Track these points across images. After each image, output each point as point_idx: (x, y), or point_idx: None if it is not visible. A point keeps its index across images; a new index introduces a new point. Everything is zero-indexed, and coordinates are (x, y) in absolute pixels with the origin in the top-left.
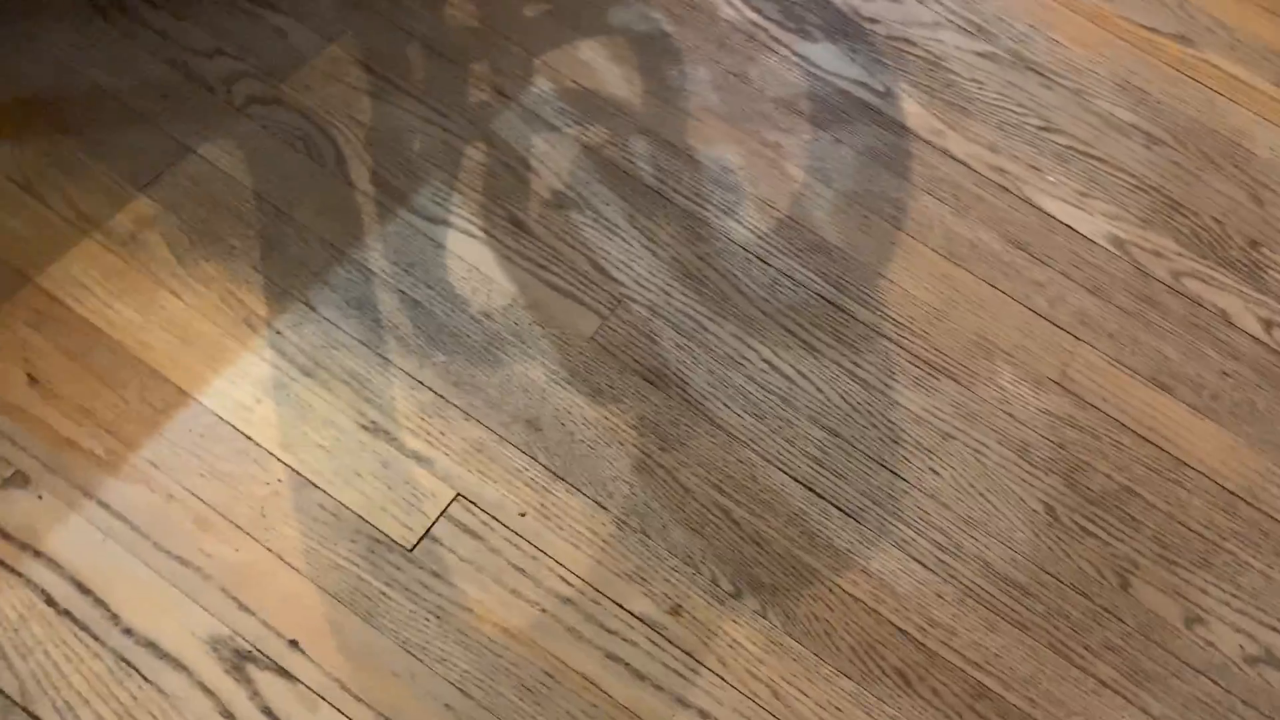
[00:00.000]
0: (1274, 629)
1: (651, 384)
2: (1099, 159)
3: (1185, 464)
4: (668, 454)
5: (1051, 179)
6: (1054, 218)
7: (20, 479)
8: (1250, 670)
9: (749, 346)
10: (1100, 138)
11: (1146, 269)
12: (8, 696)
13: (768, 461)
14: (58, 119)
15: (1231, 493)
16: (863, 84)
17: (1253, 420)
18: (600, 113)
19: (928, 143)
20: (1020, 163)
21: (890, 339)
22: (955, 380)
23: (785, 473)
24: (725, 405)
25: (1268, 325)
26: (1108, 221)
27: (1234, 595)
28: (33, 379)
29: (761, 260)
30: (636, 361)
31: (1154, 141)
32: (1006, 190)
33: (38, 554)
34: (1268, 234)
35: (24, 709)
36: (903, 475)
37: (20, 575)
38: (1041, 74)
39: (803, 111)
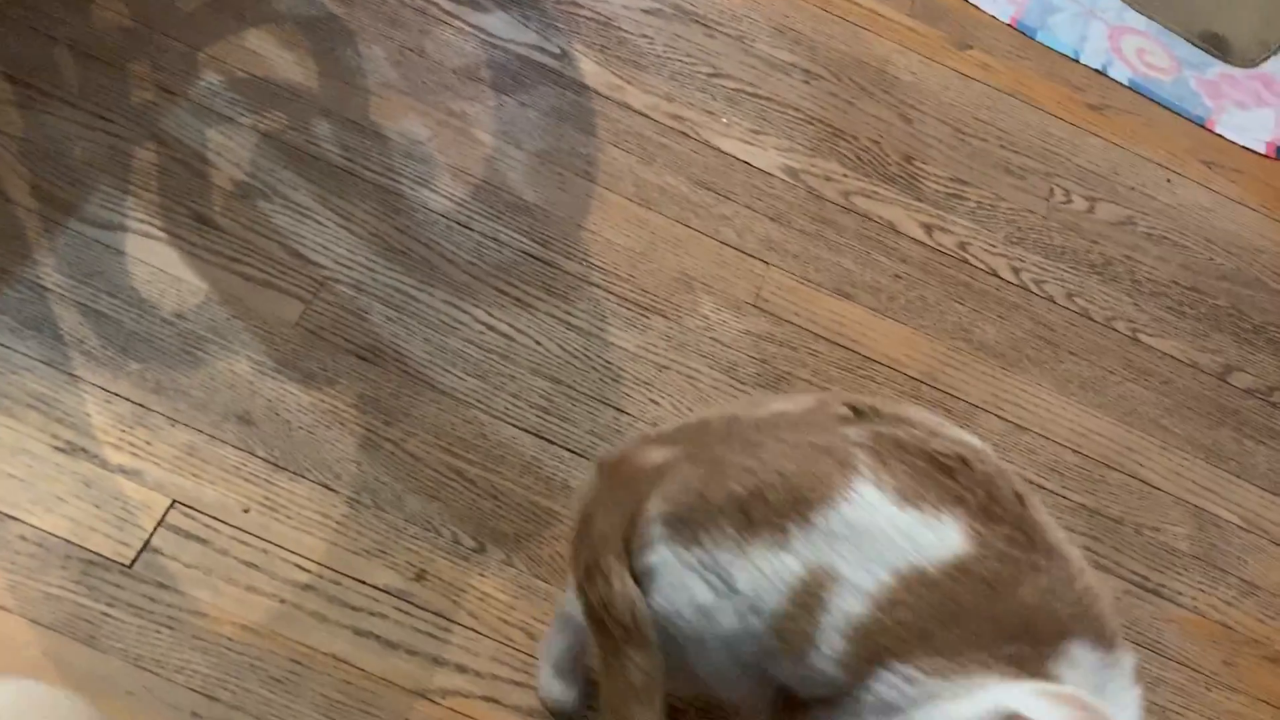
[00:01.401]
0: None
1: (367, 361)
2: (765, 98)
3: (872, 360)
4: (392, 427)
5: (725, 121)
6: (732, 156)
7: None
8: None
9: (462, 310)
10: (764, 78)
11: (819, 193)
12: None
13: (495, 418)
14: None
15: (915, 379)
16: (539, 48)
17: (925, 313)
18: (276, 99)
19: (608, 98)
20: (695, 109)
21: (598, 286)
22: (663, 315)
23: (514, 425)
24: (446, 370)
25: (928, 229)
26: (780, 154)
27: None
28: None
29: (463, 226)
30: (348, 341)
31: (812, 77)
32: (686, 135)
33: None
34: (918, 149)
35: None
36: (626, 410)
37: None
38: (705, 24)
39: (484, 79)
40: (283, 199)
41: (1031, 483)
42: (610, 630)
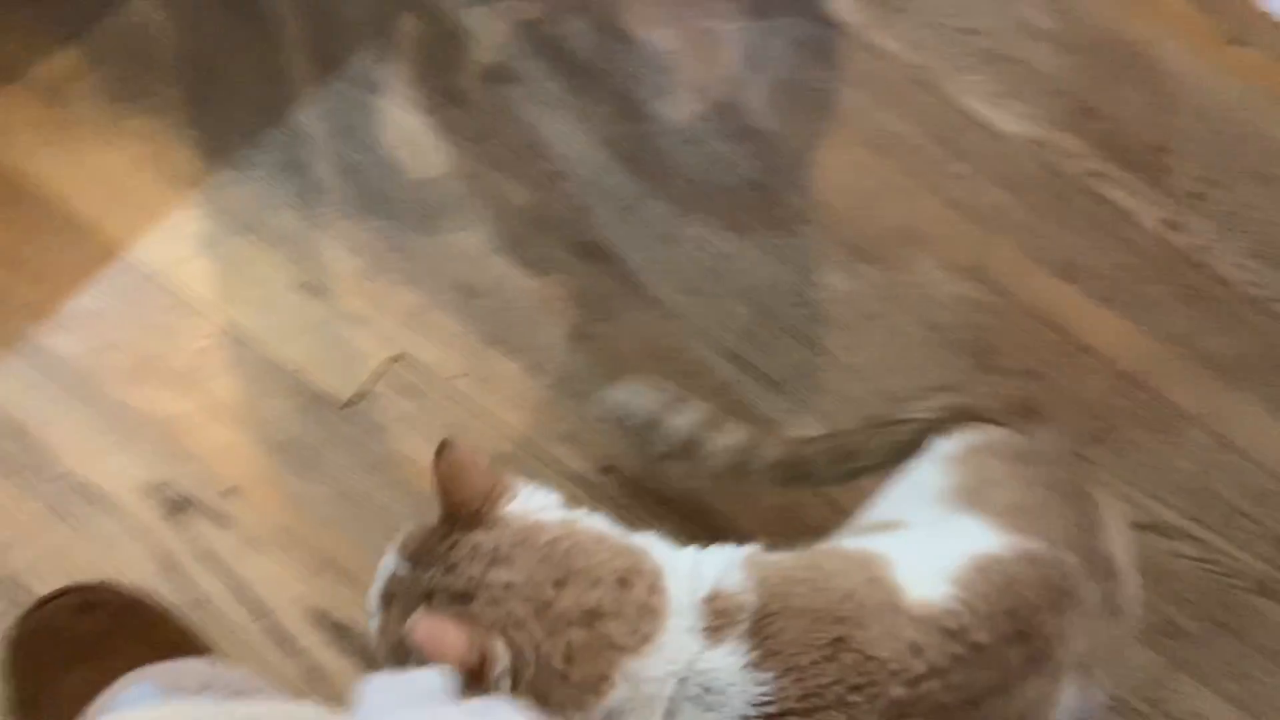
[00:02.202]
0: (1159, 500)
1: (586, 257)
2: (1017, 61)
3: (1085, 348)
4: (601, 324)
5: (972, 78)
6: (973, 116)
7: None
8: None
9: (682, 225)
10: (1019, 42)
11: (1057, 167)
12: None
13: (696, 335)
14: None
15: (1125, 375)
16: None
17: (1148, 311)
18: None
19: (856, 37)
20: (943, 61)
21: (817, 223)
22: (876, 264)
23: (714, 346)
24: (657, 280)
25: (1168, 225)
26: (1023, 121)
27: (1123, 468)
28: None
29: (695, 143)
30: (571, 236)
31: (1069, 48)
32: (929, 86)
33: None
34: (1170, 141)
35: None
36: (825, 351)
37: None
38: None
39: (737, 1)
40: (531, 88)
41: (1234, 506)
42: None
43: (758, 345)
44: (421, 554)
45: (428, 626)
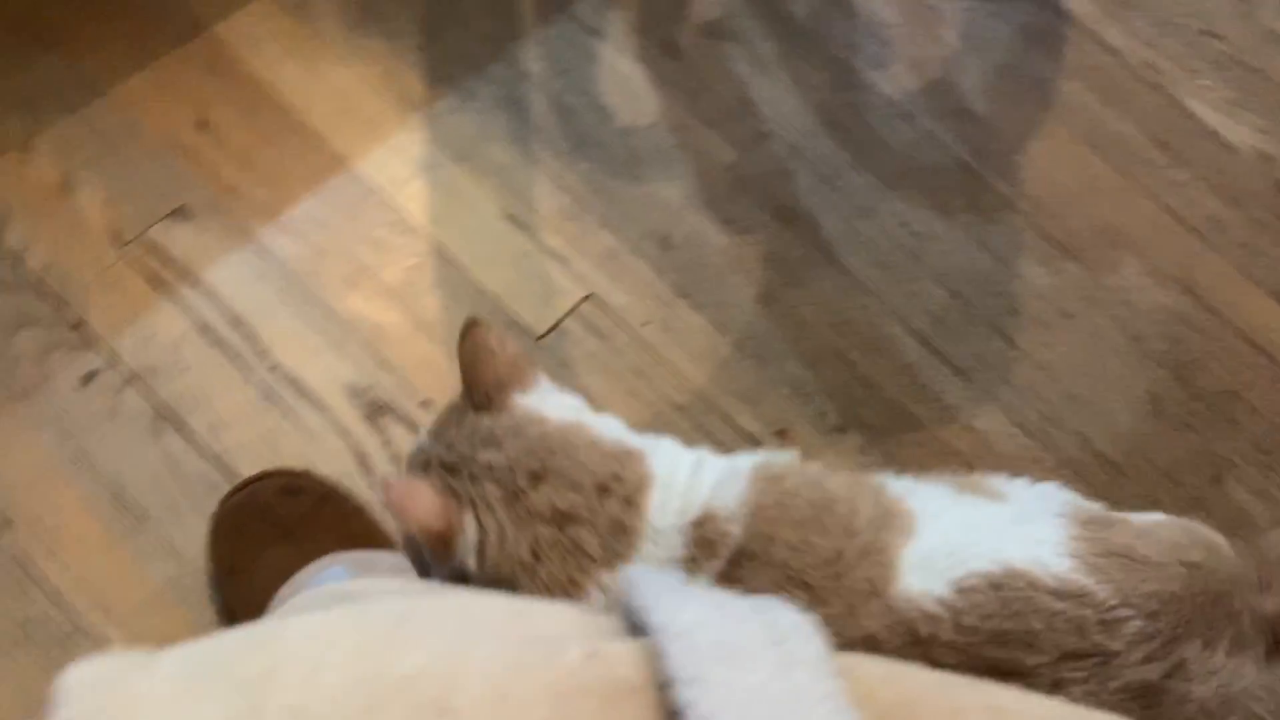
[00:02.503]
0: None
1: (783, 222)
2: (1255, 69)
3: None
4: (791, 290)
5: (1204, 83)
6: (1200, 122)
7: (185, 213)
8: None
9: (883, 199)
10: (1259, 49)
11: None
12: (162, 410)
13: (887, 312)
14: None
15: None
16: None
17: None
18: None
19: (1085, 29)
20: (1175, 63)
21: (1023, 214)
22: (1081, 263)
23: (902, 325)
24: (853, 252)
25: None
26: (1254, 134)
27: None
28: (202, 124)
29: (906, 118)
30: (771, 198)
31: None
32: (1156, 87)
33: (197, 284)
34: None
35: (173, 423)
36: (1017, 344)
37: (181, 301)
38: None
39: None
40: (746, 47)
41: None
42: None
43: (948, 330)
44: (436, 428)
45: (400, 488)
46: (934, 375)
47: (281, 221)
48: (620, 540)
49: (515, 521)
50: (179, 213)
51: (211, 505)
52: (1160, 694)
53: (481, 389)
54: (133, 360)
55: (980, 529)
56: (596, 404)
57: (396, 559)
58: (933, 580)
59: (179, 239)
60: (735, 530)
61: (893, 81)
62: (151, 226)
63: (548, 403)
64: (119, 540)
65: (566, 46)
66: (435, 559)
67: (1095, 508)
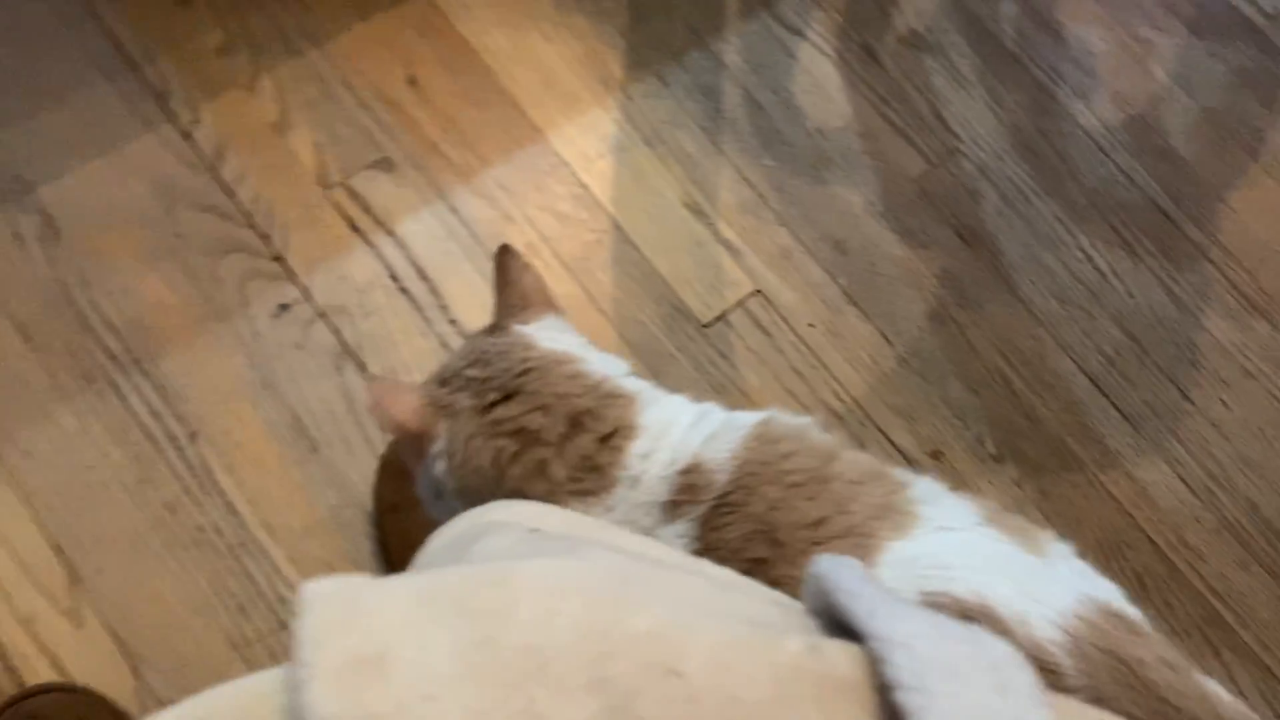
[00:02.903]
0: None
1: (963, 241)
2: None
3: None
4: (963, 311)
5: None
6: None
7: (387, 164)
8: None
9: (1069, 232)
10: None
11: None
12: (346, 347)
13: (1059, 346)
14: None
15: None
16: (1252, 2)
17: None
18: None
19: None
20: None
21: (1214, 264)
22: (1271, 323)
23: (1075, 362)
24: (1031, 281)
25: None
26: None
27: None
28: (411, 81)
29: (1103, 151)
30: (954, 216)
31: None
32: None
33: (390, 233)
34: None
35: (354, 361)
36: (1191, 398)
37: (374, 248)
38: None
39: (1182, 15)
40: (947, 61)
41: None
42: None
43: (1121, 373)
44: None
45: (380, 388)
46: (1100, 417)
47: (474, 184)
48: (591, 477)
49: (481, 431)
50: (381, 163)
51: (382, 444)
52: None
53: (497, 313)
54: (323, 298)
55: (983, 561)
56: (752, 399)
57: None
58: (904, 581)
59: (379, 188)
60: (721, 478)
61: (1094, 113)
62: (356, 174)
63: (544, 334)
64: (291, 466)
65: (765, 42)
66: (413, 462)
67: (1139, 615)
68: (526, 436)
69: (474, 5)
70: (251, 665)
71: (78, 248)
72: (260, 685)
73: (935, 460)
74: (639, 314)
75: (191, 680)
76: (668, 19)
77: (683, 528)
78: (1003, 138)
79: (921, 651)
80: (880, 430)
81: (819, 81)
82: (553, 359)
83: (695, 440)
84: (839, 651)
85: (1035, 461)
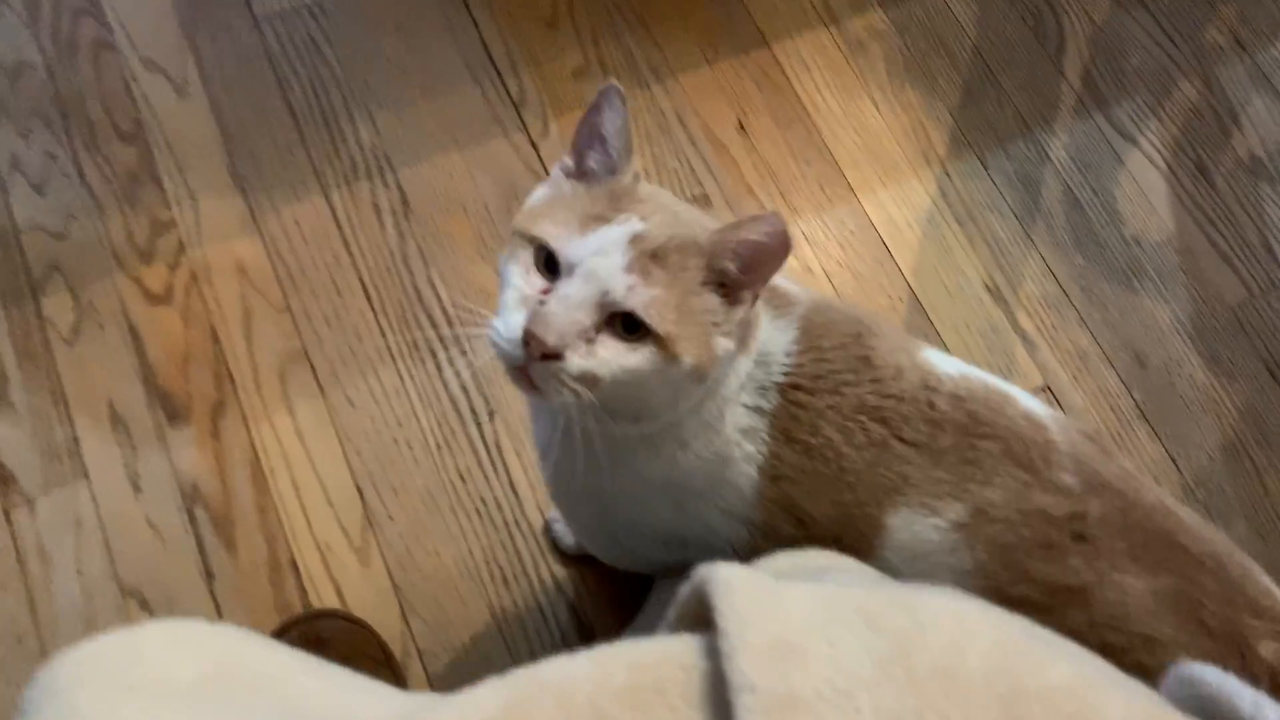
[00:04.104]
0: None
1: (1275, 379)
2: None
3: None
4: (1263, 451)
5: None
6: None
7: (704, 200)
8: None
9: None
10: None
11: None
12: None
13: None
14: None
15: None
16: None
17: None
18: None
19: None
20: None
21: None
22: None
23: None
24: None
25: None
26: None
27: None
28: (741, 126)
29: None
30: (1269, 351)
31: None
32: None
33: None
34: None
35: None
36: None
37: None
38: None
39: None
40: None
41: None
42: None
43: None
44: (638, 210)
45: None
46: None
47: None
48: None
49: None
50: (699, 198)
51: None
52: None
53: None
54: None
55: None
56: None
57: None
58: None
59: None
60: (804, 297)
61: None
62: None
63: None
64: None
65: (1095, 143)
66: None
67: None
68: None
69: (813, 66)
70: (507, 636)
71: (424, 227)
72: (673, 647)
73: None
74: None
75: (450, 638)
76: (999, 105)
77: (784, 325)
78: None
79: None
80: None
81: (1144, 190)
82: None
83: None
84: None
85: None
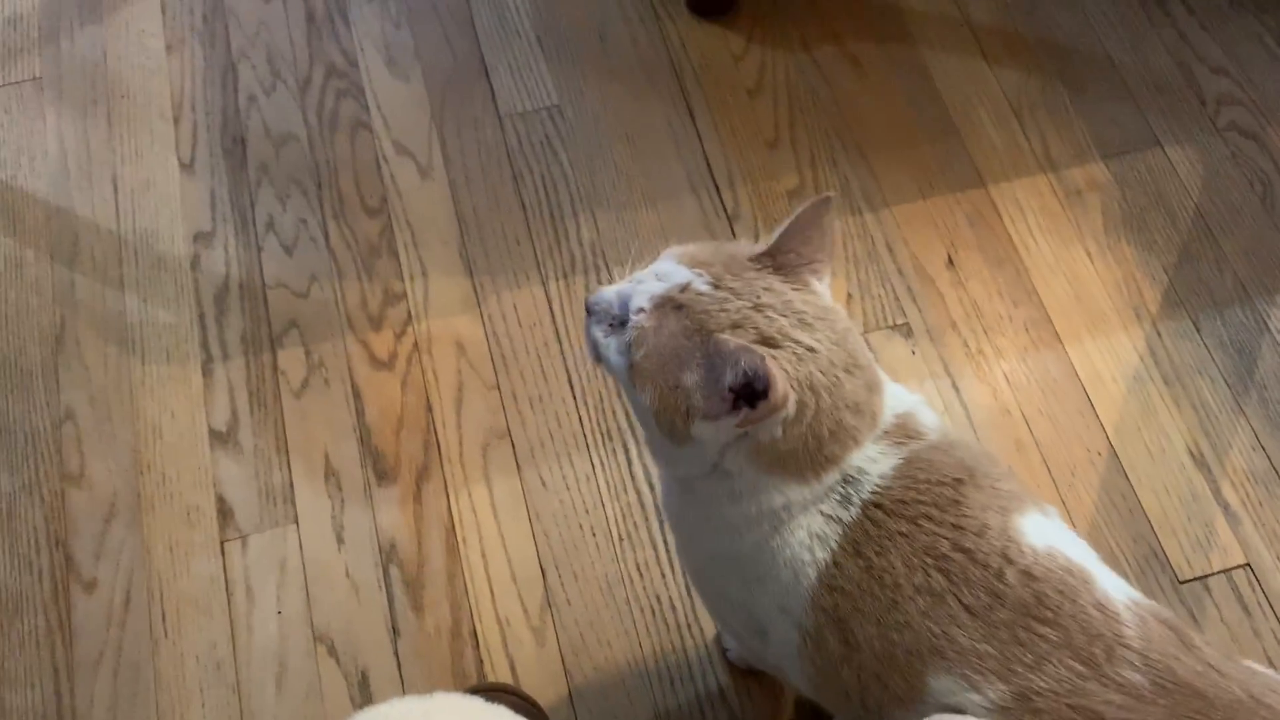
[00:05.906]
0: None
1: None
2: None
3: None
4: None
5: None
6: None
7: (906, 330)
8: None
9: None
10: None
11: None
12: None
13: None
14: (1064, 69)
15: None
16: None
17: None
18: None
19: None
20: None
21: None
22: None
23: None
24: None
25: None
26: None
27: None
28: (950, 262)
29: None
30: None
31: None
32: None
33: None
34: None
35: None
36: None
37: None
38: None
39: None
40: None
41: None
42: None
43: None
44: (725, 279)
45: (775, 364)
46: None
47: (982, 371)
48: (868, 426)
49: (831, 406)
50: (901, 328)
51: None
52: None
53: (792, 255)
54: None
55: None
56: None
57: None
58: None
59: (892, 349)
60: (933, 436)
61: None
62: (874, 330)
63: (827, 294)
64: None
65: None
66: (741, 420)
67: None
68: (856, 408)
69: (1028, 210)
70: None
71: None
72: None
73: None
74: (1114, 546)
75: None
76: (1218, 269)
77: (887, 448)
78: None
79: None
80: None
81: None
82: (846, 327)
83: (906, 401)
84: None
85: None
